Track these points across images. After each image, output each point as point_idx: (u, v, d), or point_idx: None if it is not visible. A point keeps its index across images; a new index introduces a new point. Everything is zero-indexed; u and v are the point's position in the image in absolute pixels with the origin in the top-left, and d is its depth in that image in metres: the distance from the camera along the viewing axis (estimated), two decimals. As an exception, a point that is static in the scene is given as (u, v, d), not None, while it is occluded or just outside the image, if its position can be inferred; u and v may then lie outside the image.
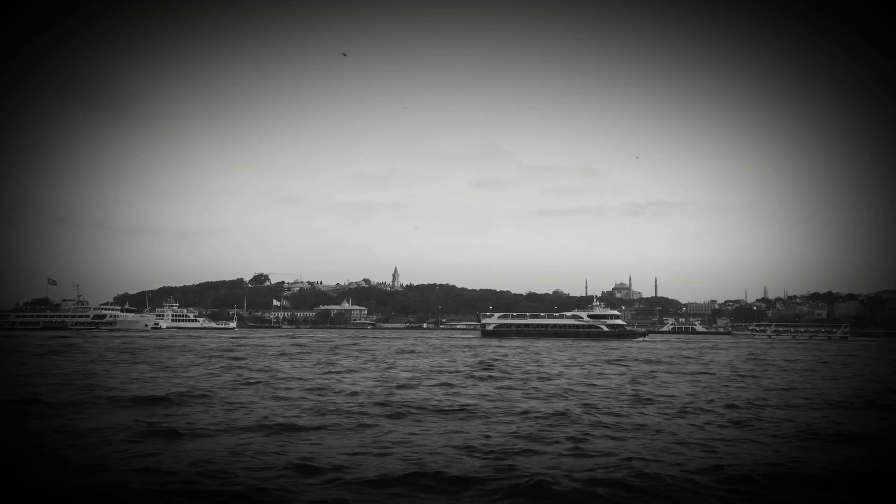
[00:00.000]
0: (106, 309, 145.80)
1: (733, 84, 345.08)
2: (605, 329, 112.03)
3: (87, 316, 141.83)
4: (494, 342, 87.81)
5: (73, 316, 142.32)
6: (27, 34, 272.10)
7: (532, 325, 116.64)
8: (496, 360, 46.16)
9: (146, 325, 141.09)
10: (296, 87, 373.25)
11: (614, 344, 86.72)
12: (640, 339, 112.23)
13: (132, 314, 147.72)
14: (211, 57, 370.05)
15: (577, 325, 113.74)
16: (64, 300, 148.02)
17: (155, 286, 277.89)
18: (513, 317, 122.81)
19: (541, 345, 79.39)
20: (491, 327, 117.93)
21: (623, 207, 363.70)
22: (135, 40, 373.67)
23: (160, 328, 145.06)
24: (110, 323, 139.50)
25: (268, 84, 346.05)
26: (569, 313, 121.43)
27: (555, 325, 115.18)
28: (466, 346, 74.54)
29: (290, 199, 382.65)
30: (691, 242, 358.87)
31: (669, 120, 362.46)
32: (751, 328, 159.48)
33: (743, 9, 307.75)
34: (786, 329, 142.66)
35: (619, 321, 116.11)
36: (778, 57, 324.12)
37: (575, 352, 61.69)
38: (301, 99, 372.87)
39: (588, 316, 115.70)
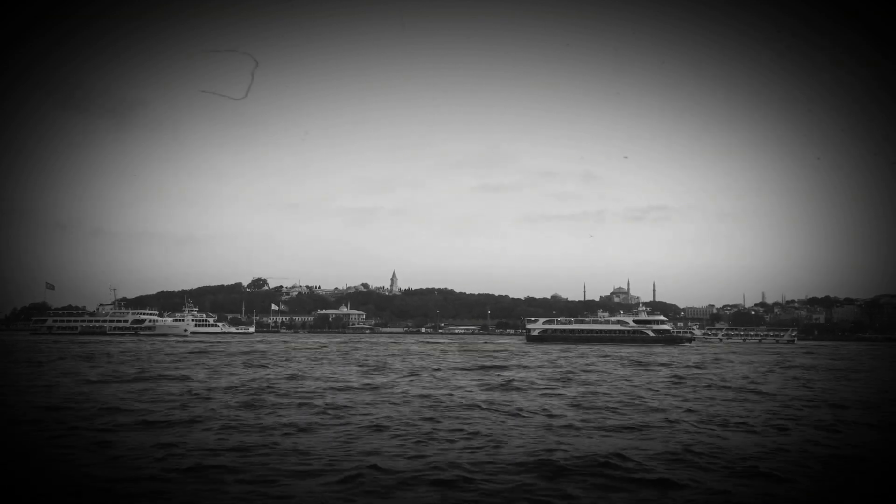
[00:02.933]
0: (144, 314, 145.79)
1: (734, 85, 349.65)
2: (652, 334, 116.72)
3: (126, 321, 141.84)
4: (532, 347, 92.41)
5: (112, 321, 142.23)
6: (27, 35, 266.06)
7: (577, 330, 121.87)
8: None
9: (185, 330, 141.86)
10: (296, 89, 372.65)
11: (671, 350, 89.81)
12: (689, 344, 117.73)
13: (169, 320, 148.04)
14: (210, 58, 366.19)
15: (623, 331, 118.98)
16: (100, 305, 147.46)
17: (152, 291, 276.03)
18: (557, 322, 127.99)
19: (608, 350, 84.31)
20: (535, 332, 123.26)
21: (624, 212, 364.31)
22: (134, 40, 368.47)
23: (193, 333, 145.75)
24: (150, 328, 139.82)
25: (267, 86, 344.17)
26: (613, 318, 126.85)
27: (600, 331, 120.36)
28: (547, 353, 79.19)
29: (289, 204, 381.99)
30: (690, 246, 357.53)
31: (670, 122, 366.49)
32: (703, 332, 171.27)
33: (743, 9, 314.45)
34: (737, 332, 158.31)
35: (666, 326, 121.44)
36: (778, 58, 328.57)
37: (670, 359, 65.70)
38: (301, 100, 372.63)
39: (634, 321, 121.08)
